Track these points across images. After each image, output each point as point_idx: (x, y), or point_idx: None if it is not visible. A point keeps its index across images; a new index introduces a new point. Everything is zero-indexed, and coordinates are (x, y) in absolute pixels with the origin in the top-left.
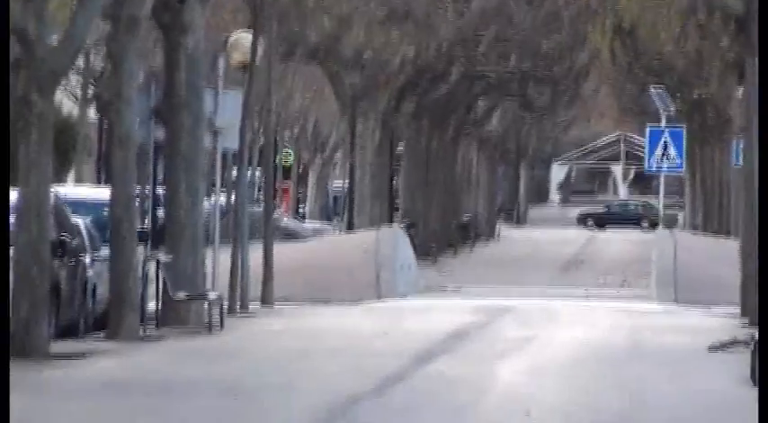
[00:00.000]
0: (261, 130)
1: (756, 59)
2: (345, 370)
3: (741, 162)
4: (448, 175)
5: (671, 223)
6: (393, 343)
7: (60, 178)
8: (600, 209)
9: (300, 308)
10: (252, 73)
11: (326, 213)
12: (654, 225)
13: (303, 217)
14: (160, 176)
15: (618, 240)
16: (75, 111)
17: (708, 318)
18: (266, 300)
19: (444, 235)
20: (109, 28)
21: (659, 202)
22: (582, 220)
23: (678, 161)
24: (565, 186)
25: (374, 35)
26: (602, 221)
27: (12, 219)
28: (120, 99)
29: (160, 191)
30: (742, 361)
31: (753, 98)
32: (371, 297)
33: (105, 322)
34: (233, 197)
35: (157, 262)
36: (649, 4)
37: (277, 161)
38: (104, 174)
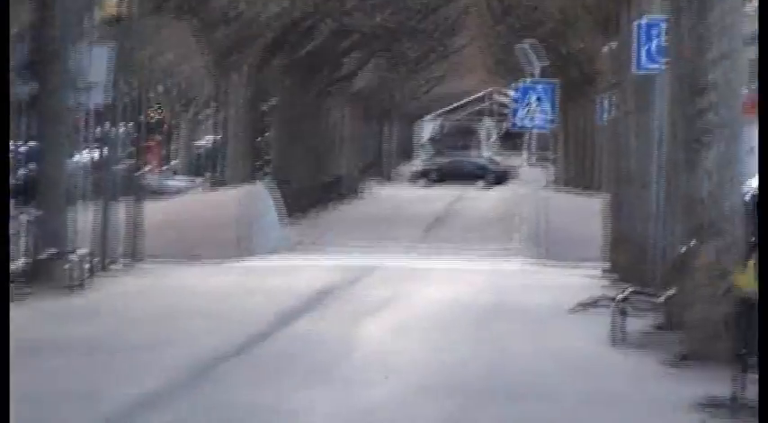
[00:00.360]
0: (130, 86)
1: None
2: (208, 330)
3: (606, 119)
4: (317, 133)
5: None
6: (257, 302)
7: None
8: (439, 164)
9: (167, 266)
10: (122, 27)
11: (194, 170)
12: (498, 181)
13: (174, 173)
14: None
15: (485, 198)
16: None
17: (573, 276)
18: (134, 258)
19: (312, 193)
20: None
21: (523, 158)
22: (418, 176)
23: (546, 118)
24: (434, 143)
25: None
26: (440, 177)
27: None
28: None
29: (28, 146)
30: (602, 321)
31: (625, 54)
32: (237, 255)
33: None
34: (101, 154)
35: (27, 219)
36: None
37: (145, 118)
38: None
